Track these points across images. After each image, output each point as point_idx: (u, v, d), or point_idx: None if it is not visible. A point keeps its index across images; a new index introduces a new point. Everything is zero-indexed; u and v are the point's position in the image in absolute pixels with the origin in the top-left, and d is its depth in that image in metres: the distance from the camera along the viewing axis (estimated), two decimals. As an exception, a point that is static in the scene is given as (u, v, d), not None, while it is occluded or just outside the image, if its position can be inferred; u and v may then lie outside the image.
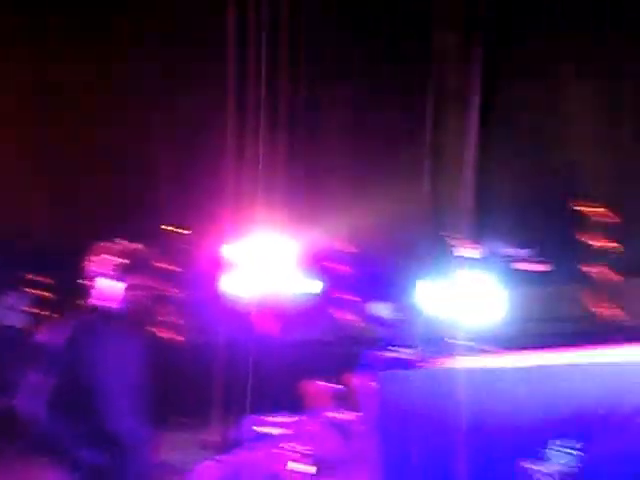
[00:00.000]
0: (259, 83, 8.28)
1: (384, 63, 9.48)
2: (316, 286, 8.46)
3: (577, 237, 9.08)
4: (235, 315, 7.75)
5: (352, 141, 9.93)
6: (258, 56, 8.22)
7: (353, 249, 9.19)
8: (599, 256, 9.25)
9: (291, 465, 5.73)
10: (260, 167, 8.16)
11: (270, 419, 6.06)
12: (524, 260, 8.10)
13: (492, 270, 6.84)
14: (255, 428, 6.02)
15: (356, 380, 5.81)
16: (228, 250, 8.25)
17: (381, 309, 6.58)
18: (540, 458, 4.69)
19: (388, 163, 9.19)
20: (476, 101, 8.90)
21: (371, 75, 9.61)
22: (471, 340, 6.06)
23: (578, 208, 9.28)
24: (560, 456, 4.64)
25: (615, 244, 9.18)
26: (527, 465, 4.71)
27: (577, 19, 8.92)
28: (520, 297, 7.49)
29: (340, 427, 5.88)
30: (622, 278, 9.03)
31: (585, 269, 9.03)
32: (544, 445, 4.70)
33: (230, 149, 8.24)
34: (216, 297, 8.06)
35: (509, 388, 5.01)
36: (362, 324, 7.90)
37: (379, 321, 6.58)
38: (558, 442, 4.66)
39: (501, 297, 6.64)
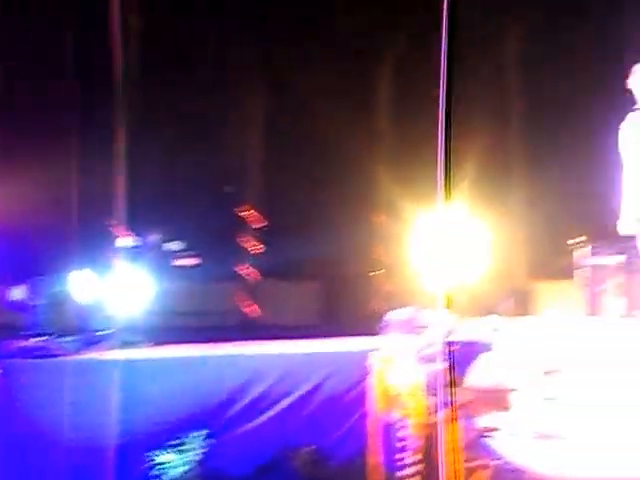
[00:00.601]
0: None
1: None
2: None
3: (229, 237, 9.53)
4: None
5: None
6: None
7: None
8: (246, 257, 9.83)
9: None
10: None
11: None
12: (177, 255, 8.22)
13: (145, 262, 6.80)
14: None
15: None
16: None
17: (22, 294, 6.08)
18: (175, 448, 4.79)
19: (39, 146, 8.58)
20: (121, 95, 8.78)
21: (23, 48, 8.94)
22: (118, 331, 5.94)
23: (233, 210, 9.76)
24: (193, 445, 4.79)
25: (260, 247, 9.85)
26: (162, 456, 4.78)
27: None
28: (170, 290, 7.58)
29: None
30: (264, 278, 9.70)
31: (233, 268, 9.51)
32: (180, 435, 4.81)
33: None
34: None
35: (151, 380, 5.03)
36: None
37: (18, 307, 6.08)
38: (193, 432, 4.82)
39: (152, 289, 6.63)
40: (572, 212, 8.13)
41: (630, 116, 4.74)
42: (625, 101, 4.87)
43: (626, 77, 4.78)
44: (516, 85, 9.63)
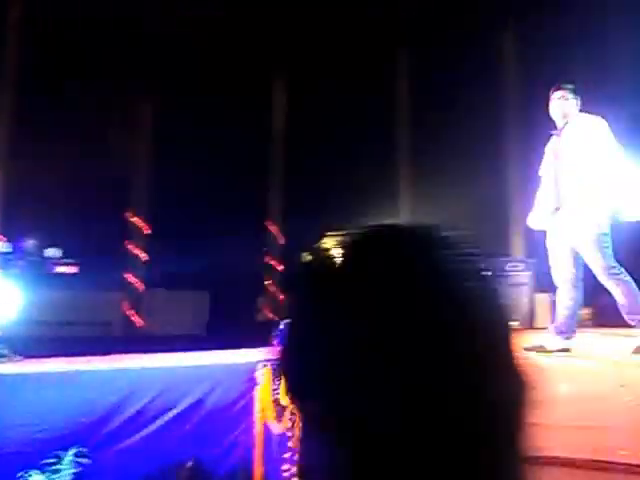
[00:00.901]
0: None
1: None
2: None
3: (113, 244, 9.18)
4: None
5: None
6: None
7: None
8: (132, 265, 9.51)
9: None
10: None
11: None
12: (55, 262, 7.84)
13: (19, 269, 6.40)
14: None
15: None
16: None
17: None
18: (46, 468, 4.50)
19: None
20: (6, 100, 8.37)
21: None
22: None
23: (118, 217, 9.42)
24: (68, 464, 4.52)
25: (146, 255, 9.56)
26: (33, 476, 4.48)
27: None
28: (47, 300, 7.19)
29: None
30: (150, 287, 9.42)
31: (117, 276, 9.17)
32: (52, 454, 4.53)
33: None
34: None
35: (20, 396, 4.72)
36: None
37: None
38: (69, 450, 4.55)
39: (26, 298, 6.24)
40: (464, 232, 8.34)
41: (551, 140, 4.95)
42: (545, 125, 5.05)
43: (546, 104, 4.96)
44: (407, 112, 9.84)
